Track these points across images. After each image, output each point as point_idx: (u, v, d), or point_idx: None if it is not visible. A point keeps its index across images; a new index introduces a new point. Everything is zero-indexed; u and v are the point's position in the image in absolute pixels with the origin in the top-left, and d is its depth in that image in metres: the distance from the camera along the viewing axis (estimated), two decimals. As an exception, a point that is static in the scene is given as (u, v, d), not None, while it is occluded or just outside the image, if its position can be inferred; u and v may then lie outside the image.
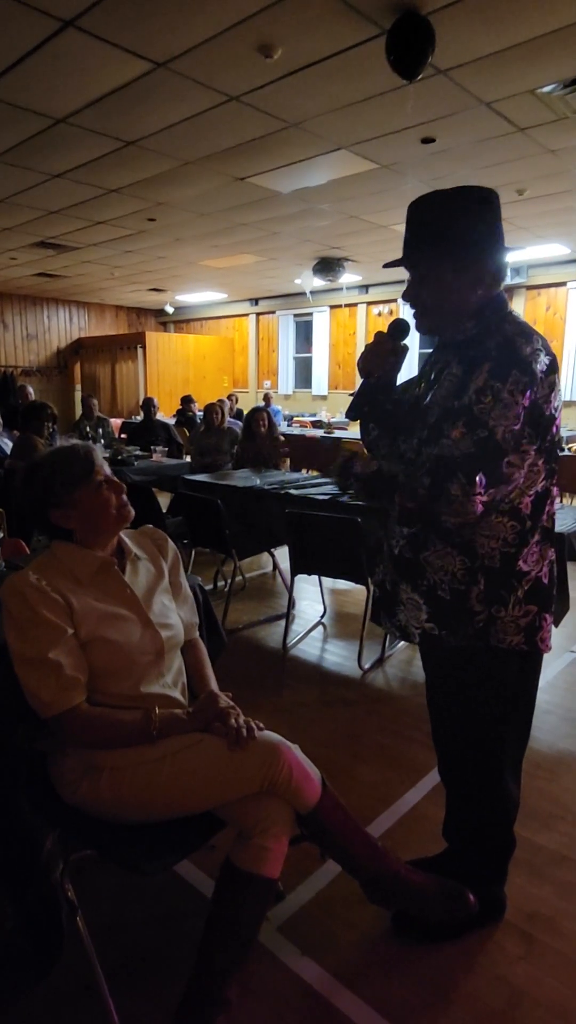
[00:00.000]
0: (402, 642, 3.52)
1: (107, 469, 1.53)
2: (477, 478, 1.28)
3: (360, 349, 10.01)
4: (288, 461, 5.34)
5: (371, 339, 1.60)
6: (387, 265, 1.57)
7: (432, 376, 1.51)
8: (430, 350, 1.64)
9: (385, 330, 1.58)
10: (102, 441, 6.91)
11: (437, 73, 3.34)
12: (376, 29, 2.92)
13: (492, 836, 1.66)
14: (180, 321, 13.89)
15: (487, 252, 1.40)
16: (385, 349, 1.57)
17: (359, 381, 1.64)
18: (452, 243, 1.38)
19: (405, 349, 1.58)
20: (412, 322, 1.56)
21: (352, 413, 1.64)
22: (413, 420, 1.51)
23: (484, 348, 1.35)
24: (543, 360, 1.33)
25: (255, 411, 5.35)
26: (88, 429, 7.30)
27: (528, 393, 1.29)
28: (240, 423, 7.59)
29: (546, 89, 3.55)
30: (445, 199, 1.40)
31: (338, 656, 3.43)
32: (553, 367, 1.36)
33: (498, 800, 1.61)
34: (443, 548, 1.44)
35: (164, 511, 4.30)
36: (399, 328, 1.56)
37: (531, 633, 1.45)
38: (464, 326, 1.43)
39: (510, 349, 1.32)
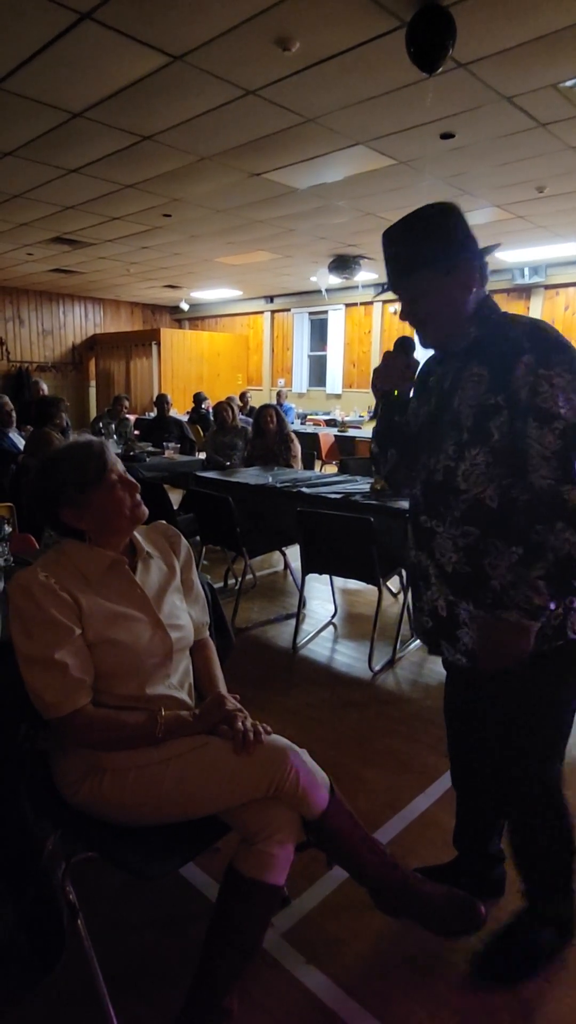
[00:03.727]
0: (412, 644, 3.48)
1: (120, 467, 1.49)
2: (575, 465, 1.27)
3: (375, 348, 10.06)
4: (300, 459, 5.30)
5: (386, 337, 1.56)
6: (381, 292, 1.55)
7: (447, 385, 1.46)
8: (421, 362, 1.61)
9: (395, 341, 1.56)
10: (115, 437, 6.90)
11: (457, 67, 3.28)
12: (396, 21, 2.88)
13: (559, 850, 1.54)
14: (195, 318, 13.89)
15: (468, 250, 1.40)
16: (401, 364, 1.54)
17: (368, 387, 1.60)
18: (433, 250, 1.38)
19: (416, 364, 1.56)
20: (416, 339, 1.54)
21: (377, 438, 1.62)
22: (435, 435, 1.46)
23: (510, 342, 1.33)
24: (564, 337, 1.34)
25: (264, 408, 5.33)
26: (100, 425, 7.29)
27: (572, 366, 1.30)
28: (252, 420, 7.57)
29: (568, 83, 3.49)
30: (411, 219, 1.41)
31: (348, 657, 3.40)
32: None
33: (563, 808, 1.52)
34: (507, 548, 1.37)
35: (175, 508, 4.28)
36: (406, 345, 1.54)
37: None
38: (467, 331, 1.42)
39: (538, 334, 1.32)
